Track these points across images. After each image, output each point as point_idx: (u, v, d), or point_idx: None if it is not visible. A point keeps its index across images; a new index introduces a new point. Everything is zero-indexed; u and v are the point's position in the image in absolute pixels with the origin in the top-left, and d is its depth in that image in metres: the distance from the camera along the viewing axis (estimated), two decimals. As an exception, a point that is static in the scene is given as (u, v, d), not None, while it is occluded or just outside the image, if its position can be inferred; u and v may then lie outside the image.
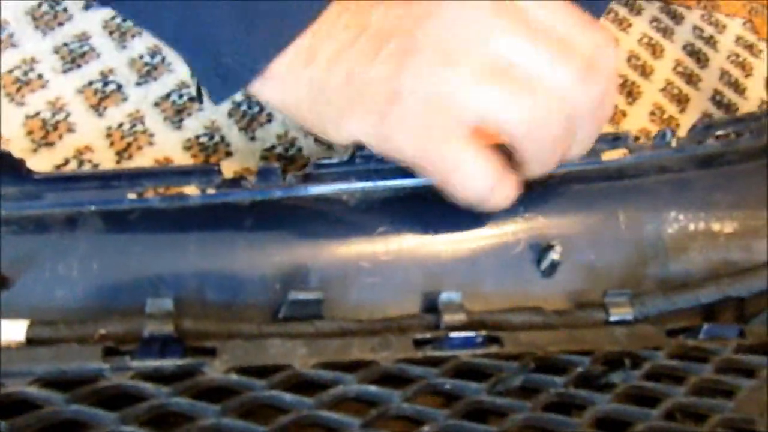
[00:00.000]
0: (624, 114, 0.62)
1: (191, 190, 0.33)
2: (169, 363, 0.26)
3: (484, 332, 0.30)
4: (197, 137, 0.48)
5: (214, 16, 0.30)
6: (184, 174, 0.33)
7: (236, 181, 0.33)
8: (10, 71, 0.47)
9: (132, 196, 0.32)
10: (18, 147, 0.43)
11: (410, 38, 0.29)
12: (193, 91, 0.48)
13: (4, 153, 0.30)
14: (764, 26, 0.76)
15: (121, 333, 0.27)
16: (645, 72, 0.66)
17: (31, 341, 0.26)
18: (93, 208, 0.32)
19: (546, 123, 0.29)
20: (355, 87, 0.30)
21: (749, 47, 0.74)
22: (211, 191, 0.33)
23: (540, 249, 0.34)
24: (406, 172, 0.34)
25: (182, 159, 0.46)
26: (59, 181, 0.32)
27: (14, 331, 0.27)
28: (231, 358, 0.27)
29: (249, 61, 0.30)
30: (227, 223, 0.33)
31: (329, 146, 0.50)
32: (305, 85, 0.31)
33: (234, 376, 0.26)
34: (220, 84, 0.32)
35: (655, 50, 0.69)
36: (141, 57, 0.50)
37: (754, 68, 0.72)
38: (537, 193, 0.35)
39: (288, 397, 0.26)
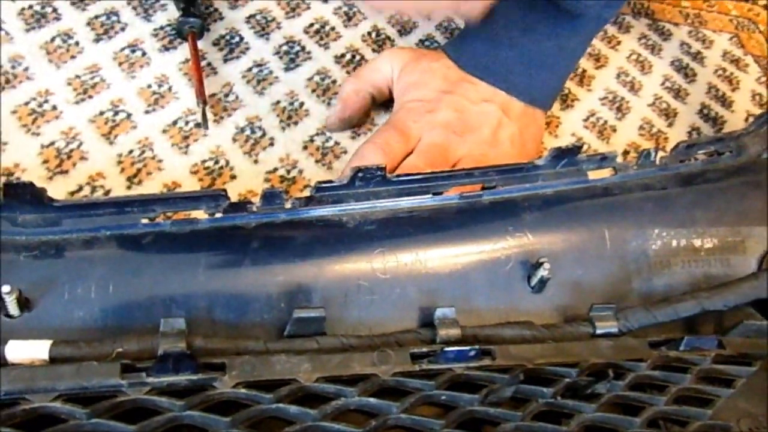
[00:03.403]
0: (614, 129, 0.63)
1: (200, 214, 0.34)
2: (182, 378, 0.27)
3: (477, 346, 0.30)
4: (203, 162, 0.49)
5: None
6: (193, 199, 0.33)
7: (242, 205, 0.34)
8: (26, 103, 0.48)
9: (145, 221, 0.33)
10: (35, 175, 0.44)
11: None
12: (199, 118, 0.49)
13: (27, 183, 0.30)
14: (750, 41, 0.78)
15: (137, 351, 0.28)
16: (634, 88, 0.67)
17: (54, 360, 0.27)
18: (108, 233, 0.32)
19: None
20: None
21: (736, 61, 0.74)
22: (218, 215, 0.34)
23: (530, 266, 0.35)
24: (401, 194, 0.35)
25: (189, 183, 0.47)
26: (76, 208, 0.32)
27: (38, 350, 0.27)
28: (240, 373, 0.28)
29: None
30: (234, 245, 0.33)
31: (329, 167, 0.51)
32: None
33: (243, 390, 0.27)
34: None
35: (644, 66, 0.70)
36: (149, 86, 0.51)
37: (741, 82, 0.72)
38: (526, 213, 0.37)
39: (293, 409, 0.27)
